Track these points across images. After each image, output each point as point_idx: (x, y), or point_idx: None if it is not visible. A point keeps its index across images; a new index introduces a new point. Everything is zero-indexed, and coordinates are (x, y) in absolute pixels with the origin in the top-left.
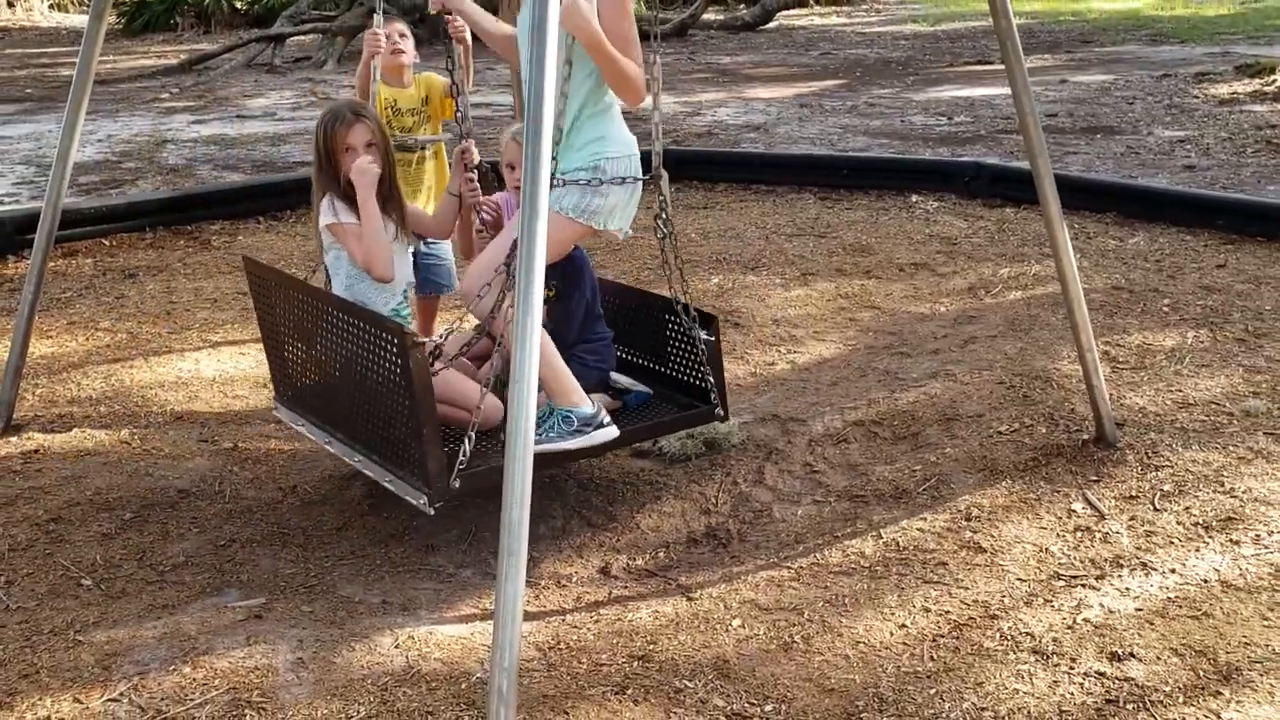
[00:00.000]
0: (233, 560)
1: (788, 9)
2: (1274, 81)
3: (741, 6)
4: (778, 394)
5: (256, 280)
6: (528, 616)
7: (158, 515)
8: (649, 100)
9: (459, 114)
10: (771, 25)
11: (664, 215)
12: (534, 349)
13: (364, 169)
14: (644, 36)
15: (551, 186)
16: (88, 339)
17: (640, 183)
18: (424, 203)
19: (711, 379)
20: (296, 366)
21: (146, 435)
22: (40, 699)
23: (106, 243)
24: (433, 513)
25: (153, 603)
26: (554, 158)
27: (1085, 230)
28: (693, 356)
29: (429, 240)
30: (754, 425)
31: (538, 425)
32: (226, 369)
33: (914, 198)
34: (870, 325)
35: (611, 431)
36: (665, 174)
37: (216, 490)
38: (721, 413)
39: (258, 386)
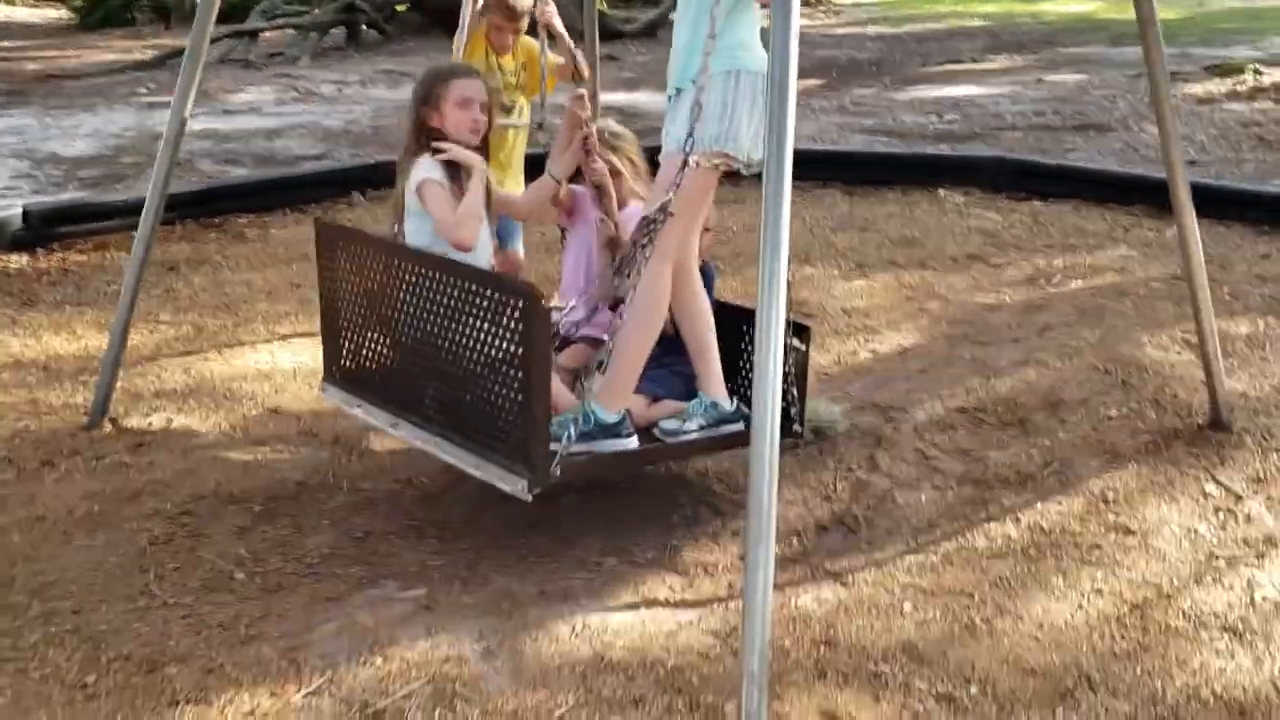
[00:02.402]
0: (375, 553)
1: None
2: (1244, 82)
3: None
4: (868, 382)
5: (327, 244)
6: (687, 605)
7: (285, 508)
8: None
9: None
10: None
11: None
12: (778, 336)
13: (477, 163)
14: (618, 35)
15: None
16: (152, 332)
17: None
18: (511, 176)
19: (795, 393)
20: (363, 340)
21: (247, 427)
22: (235, 695)
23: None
24: (530, 499)
25: (314, 595)
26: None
27: (1120, 223)
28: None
29: None
30: (854, 413)
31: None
32: (303, 361)
33: (941, 192)
34: (940, 315)
35: (629, 443)
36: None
37: (332, 483)
38: (799, 429)
39: None
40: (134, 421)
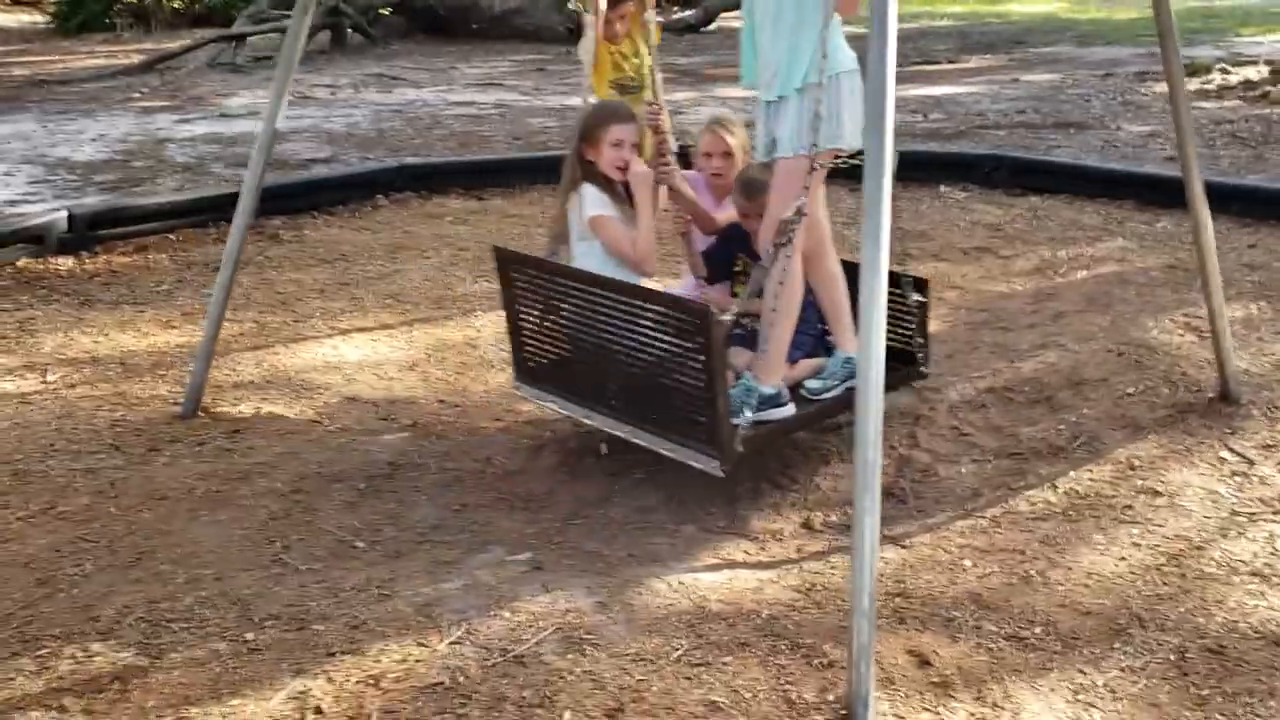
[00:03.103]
0: (475, 523)
1: (728, 10)
2: (1211, 81)
3: (675, 9)
4: None
5: (512, 268)
6: (763, 566)
7: (384, 486)
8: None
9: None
10: (713, 27)
11: None
12: (881, 306)
13: (643, 173)
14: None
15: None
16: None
17: None
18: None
19: (921, 339)
20: (551, 347)
21: (330, 415)
22: (385, 645)
23: (173, 238)
24: (723, 475)
25: (433, 560)
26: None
27: (1113, 215)
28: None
29: None
30: (891, 394)
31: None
32: (367, 354)
33: (942, 188)
34: (959, 303)
35: (789, 410)
36: None
37: (419, 463)
38: (926, 370)
39: (405, 369)
40: (224, 410)
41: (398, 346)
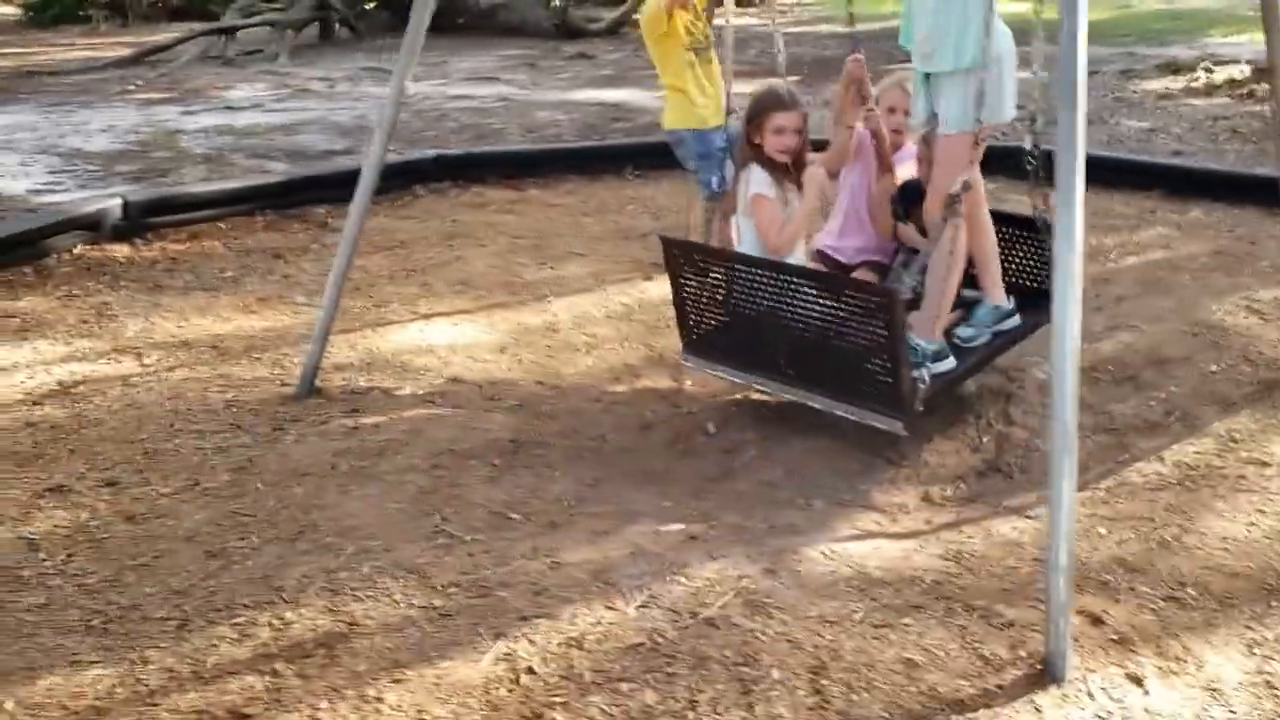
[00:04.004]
0: (614, 497)
1: (716, 6)
2: (1198, 79)
3: None
4: None
5: (682, 257)
6: (901, 536)
7: (515, 462)
8: None
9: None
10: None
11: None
12: (1076, 277)
13: (816, 176)
14: (583, 34)
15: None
16: (296, 314)
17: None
18: (715, 93)
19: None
20: (723, 324)
21: (440, 395)
22: (574, 609)
23: (223, 226)
24: (906, 434)
25: (590, 530)
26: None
27: (1144, 206)
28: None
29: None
30: (980, 375)
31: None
32: (454, 337)
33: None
34: None
35: (951, 363)
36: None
37: (539, 441)
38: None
39: (496, 351)
40: (336, 392)
41: (481, 330)
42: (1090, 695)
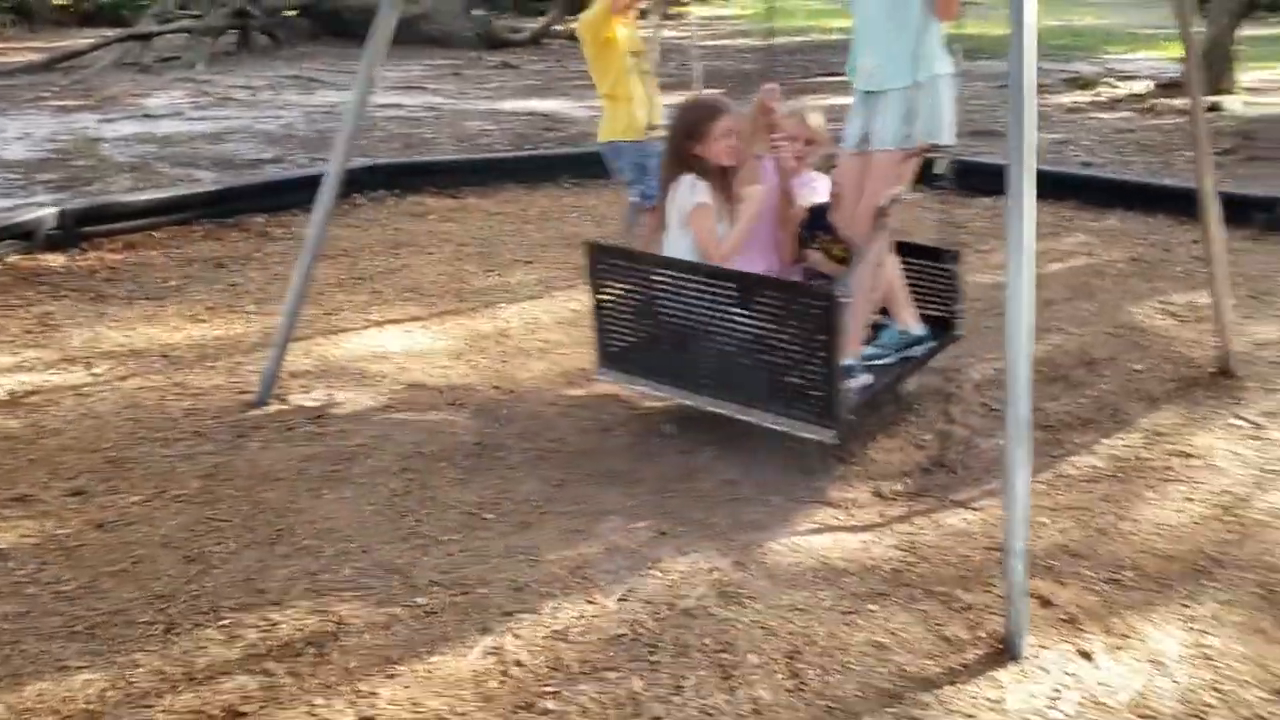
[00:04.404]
0: (580, 497)
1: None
2: (1100, 94)
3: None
4: None
5: (606, 261)
6: (858, 529)
7: (481, 464)
8: None
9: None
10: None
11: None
12: (1029, 281)
13: (757, 193)
14: (506, 44)
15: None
16: (247, 323)
17: None
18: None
19: (959, 306)
20: (644, 333)
21: (401, 401)
22: (556, 604)
23: (158, 235)
24: (838, 443)
25: (562, 529)
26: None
27: (1061, 214)
28: (926, 289)
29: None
30: (919, 376)
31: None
32: (409, 344)
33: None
34: None
35: (868, 378)
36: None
37: (502, 444)
38: (961, 334)
39: (452, 357)
40: (296, 399)
41: (435, 337)
42: (1045, 670)
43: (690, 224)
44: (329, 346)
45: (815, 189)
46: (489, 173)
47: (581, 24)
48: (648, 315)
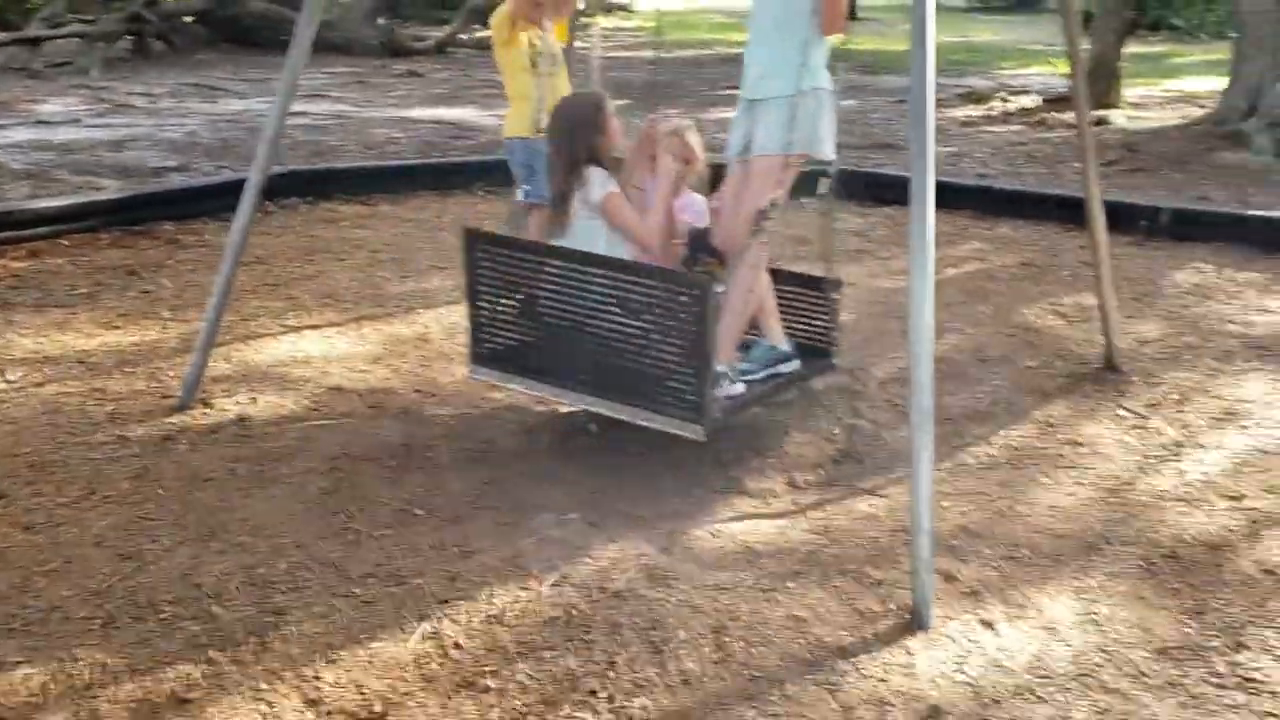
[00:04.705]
0: (509, 493)
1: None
2: (994, 108)
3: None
4: None
5: (485, 250)
6: (775, 516)
7: (409, 464)
8: None
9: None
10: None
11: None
12: (929, 284)
13: (669, 164)
14: (411, 53)
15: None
16: (164, 330)
17: None
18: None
19: (836, 334)
20: (522, 328)
21: (325, 404)
22: (490, 591)
23: (64, 243)
24: (705, 440)
25: (494, 522)
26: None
27: (958, 223)
28: (805, 316)
29: None
30: (826, 375)
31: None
32: (328, 349)
33: (802, 200)
34: (858, 298)
35: (740, 387)
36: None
37: (429, 444)
38: (836, 363)
39: (372, 362)
40: (220, 402)
41: (354, 342)
42: (951, 638)
43: (607, 212)
44: (249, 352)
45: (696, 211)
46: (400, 180)
47: (492, 23)
48: (526, 308)
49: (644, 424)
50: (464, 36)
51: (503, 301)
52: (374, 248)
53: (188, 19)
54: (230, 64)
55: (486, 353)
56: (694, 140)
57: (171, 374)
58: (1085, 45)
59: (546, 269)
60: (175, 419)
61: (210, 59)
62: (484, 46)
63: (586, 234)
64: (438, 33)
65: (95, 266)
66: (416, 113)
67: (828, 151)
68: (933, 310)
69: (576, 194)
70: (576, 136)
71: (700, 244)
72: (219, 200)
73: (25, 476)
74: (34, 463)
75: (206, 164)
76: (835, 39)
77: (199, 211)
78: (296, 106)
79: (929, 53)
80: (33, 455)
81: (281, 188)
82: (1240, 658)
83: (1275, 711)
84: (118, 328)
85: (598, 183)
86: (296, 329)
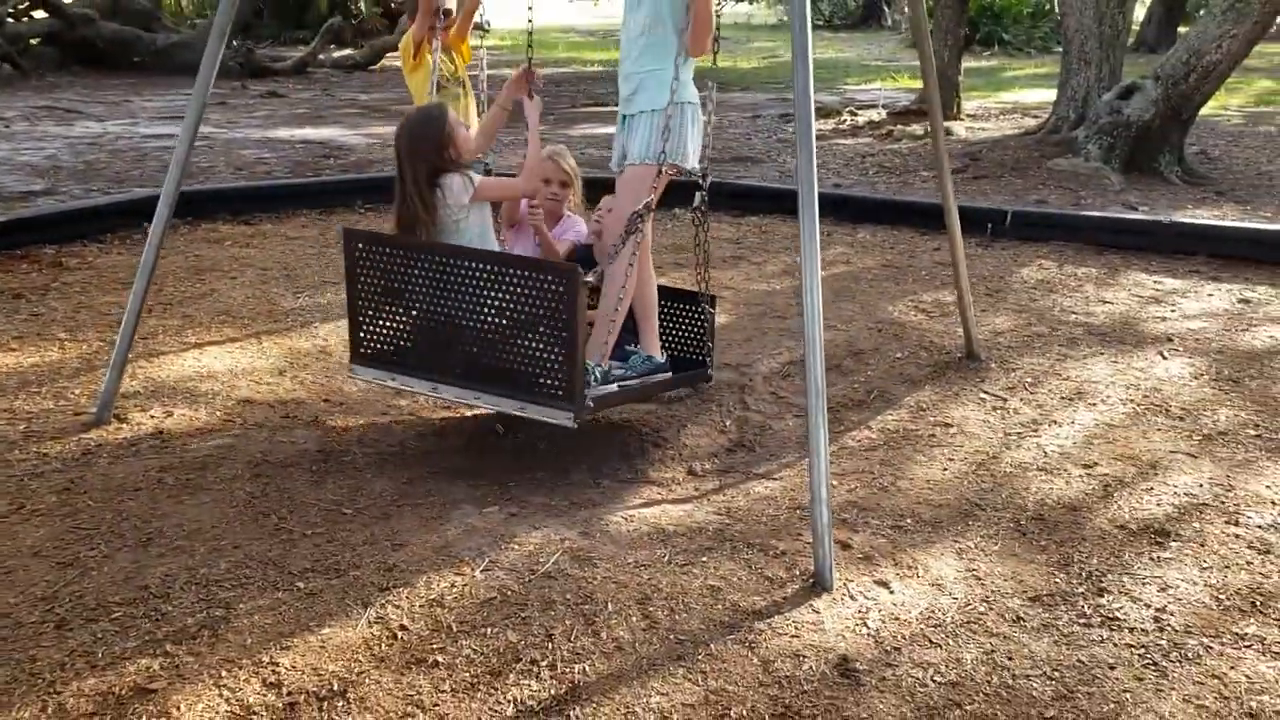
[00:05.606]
0: (429, 490)
1: (391, 51)
2: (845, 121)
3: (334, 48)
4: None
5: (362, 248)
6: (681, 501)
7: (330, 467)
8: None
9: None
10: (377, 66)
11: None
12: (816, 275)
13: (534, 102)
14: (270, 73)
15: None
16: (63, 351)
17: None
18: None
19: (710, 345)
20: (395, 324)
21: (238, 415)
22: (425, 579)
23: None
24: (576, 428)
25: (420, 517)
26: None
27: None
28: (684, 329)
29: None
30: (714, 372)
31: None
32: (232, 364)
33: (676, 211)
34: (737, 300)
35: (612, 388)
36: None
37: (341, 451)
38: (711, 374)
39: (277, 375)
40: (135, 417)
41: (255, 357)
42: (853, 598)
43: (483, 192)
44: (153, 369)
45: (578, 231)
46: (281, 199)
47: (400, 48)
48: (402, 304)
49: (517, 414)
50: (322, 57)
51: (380, 299)
52: (263, 265)
53: (34, 41)
54: (82, 86)
55: (368, 351)
56: (569, 164)
57: (78, 392)
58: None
59: (419, 265)
60: (92, 434)
61: (61, 82)
62: (342, 66)
63: (459, 230)
64: (295, 53)
65: None
66: (282, 133)
67: (693, 162)
68: (821, 301)
69: (440, 208)
70: (432, 152)
71: (583, 261)
72: (96, 222)
73: None
74: None
75: (74, 187)
76: (703, 59)
77: (76, 234)
78: (159, 129)
79: (809, 68)
80: None
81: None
82: (1102, 600)
83: (1134, 644)
84: (14, 349)
85: (459, 186)
86: (197, 345)
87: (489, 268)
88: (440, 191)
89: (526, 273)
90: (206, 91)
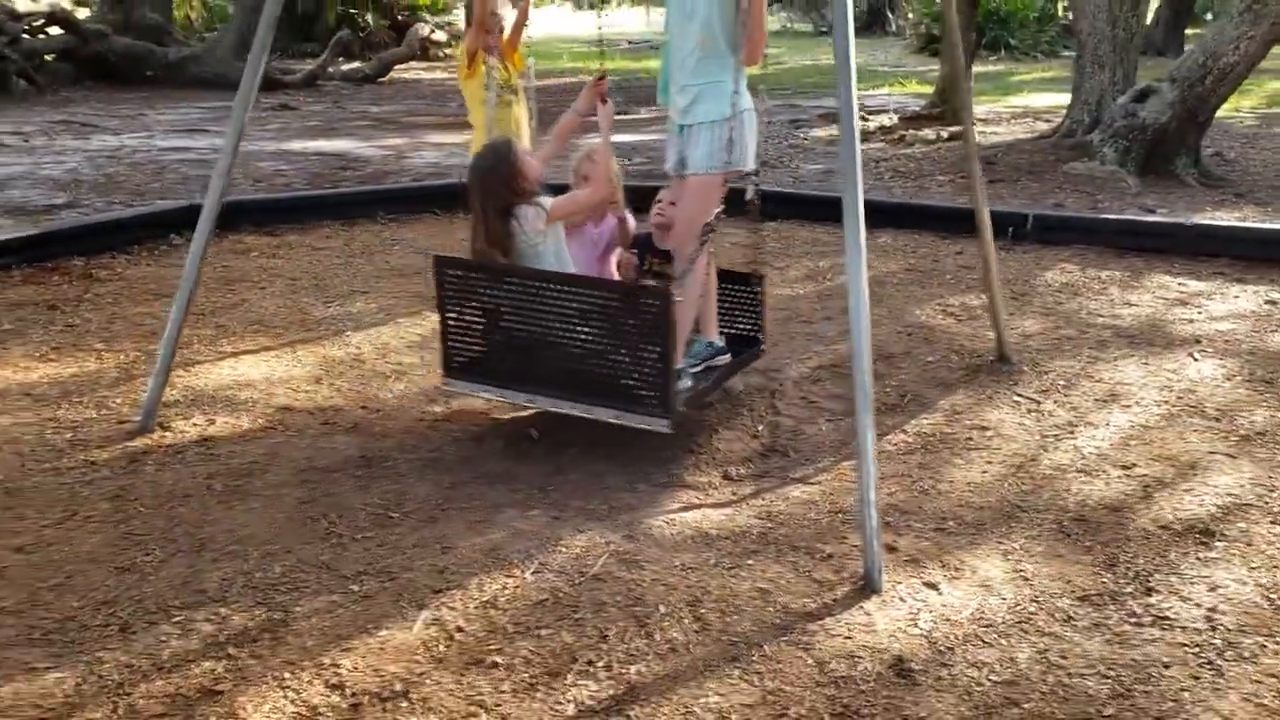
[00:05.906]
0: (472, 495)
1: (400, 63)
2: None
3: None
4: None
5: (456, 275)
6: (719, 505)
7: (375, 473)
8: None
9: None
10: (385, 78)
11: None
12: (863, 273)
13: (607, 110)
14: (280, 86)
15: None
16: (100, 361)
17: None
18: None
19: (762, 324)
20: (493, 342)
21: (279, 423)
22: (478, 581)
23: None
24: (672, 432)
25: (466, 521)
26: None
27: (836, 234)
28: (736, 309)
29: None
30: (745, 377)
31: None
32: (268, 372)
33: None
34: None
35: (688, 383)
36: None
37: (382, 457)
38: (764, 349)
39: (313, 382)
40: (179, 425)
41: (291, 365)
42: (902, 599)
43: (556, 213)
44: (190, 378)
45: (608, 224)
46: (304, 211)
47: (456, 57)
48: (493, 324)
49: (614, 421)
50: (332, 70)
51: (471, 319)
52: (291, 275)
53: (49, 57)
54: (97, 101)
55: (459, 365)
56: (615, 167)
57: (119, 401)
58: (937, 67)
59: (510, 287)
60: (138, 442)
61: (75, 96)
62: (351, 79)
63: (537, 255)
64: (304, 66)
65: (11, 303)
66: (297, 145)
67: (751, 164)
68: (868, 303)
69: (516, 236)
70: (504, 187)
71: (646, 247)
72: (123, 235)
73: (2, 503)
74: (9, 489)
75: (95, 200)
76: (754, 68)
77: (104, 247)
78: (175, 142)
79: (851, 73)
80: (5, 482)
81: (187, 221)
82: (1151, 600)
83: (1186, 642)
84: (53, 360)
85: (532, 215)
86: (233, 354)
87: (588, 292)
88: (515, 222)
89: (625, 296)
90: (248, 105)
